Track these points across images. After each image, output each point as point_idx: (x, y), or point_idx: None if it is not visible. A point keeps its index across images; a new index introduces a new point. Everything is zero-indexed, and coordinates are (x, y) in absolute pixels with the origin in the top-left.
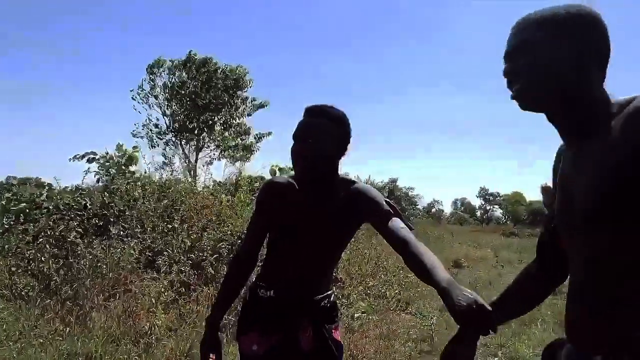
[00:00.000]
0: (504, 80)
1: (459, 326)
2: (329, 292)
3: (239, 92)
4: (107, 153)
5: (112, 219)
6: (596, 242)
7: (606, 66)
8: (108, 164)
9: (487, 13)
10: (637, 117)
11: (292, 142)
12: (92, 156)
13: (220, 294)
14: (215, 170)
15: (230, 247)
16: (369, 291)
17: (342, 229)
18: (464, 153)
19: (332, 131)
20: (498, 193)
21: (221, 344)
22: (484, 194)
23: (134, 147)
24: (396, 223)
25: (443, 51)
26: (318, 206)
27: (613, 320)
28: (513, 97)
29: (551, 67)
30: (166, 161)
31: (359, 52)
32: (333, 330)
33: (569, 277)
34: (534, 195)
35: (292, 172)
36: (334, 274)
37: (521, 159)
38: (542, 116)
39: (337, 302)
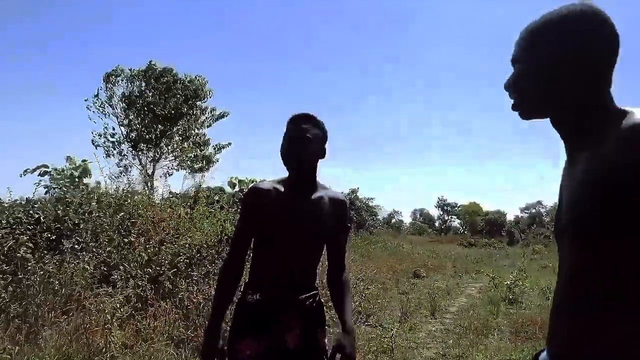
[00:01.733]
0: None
1: None
2: (313, 292)
3: (198, 103)
4: (62, 169)
5: (65, 233)
6: (577, 254)
7: (611, 68)
8: (59, 176)
9: (449, 27)
10: (624, 141)
11: (286, 144)
12: (44, 169)
13: (215, 304)
14: (174, 182)
15: (188, 261)
16: (329, 303)
17: (324, 231)
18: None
19: (318, 134)
20: (456, 203)
21: (224, 351)
22: (442, 204)
23: (84, 161)
24: (345, 250)
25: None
26: (304, 208)
27: (587, 334)
28: (513, 107)
29: (549, 70)
30: (122, 172)
31: (319, 63)
32: (320, 332)
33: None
34: (490, 205)
35: (263, 181)
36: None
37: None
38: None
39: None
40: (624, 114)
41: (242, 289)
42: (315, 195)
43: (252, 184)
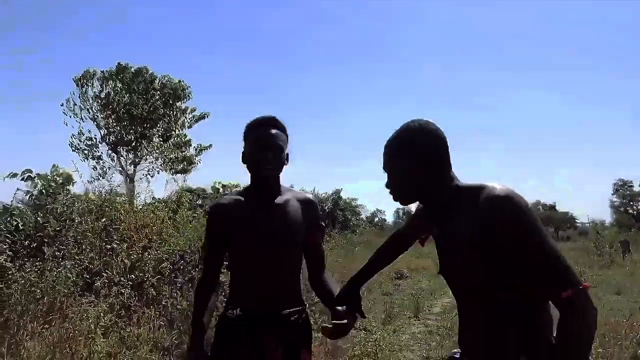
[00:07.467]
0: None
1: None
2: (299, 308)
3: (178, 104)
4: (46, 174)
5: (46, 240)
6: (464, 287)
7: (448, 162)
8: (42, 183)
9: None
10: (484, 213)
11: (255, 152)
12: (28, 174)
13: (193, 315)
14: (155, 184)
15: (172, 267)
16: (313, 307)
17: (297, 233)
18: None
19: (285, 139)
20: None
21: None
22: None
23: (76, 170)
24: (322, 251)
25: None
26: (272, 214)
27: (475, 344)
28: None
29: (402, 173)
30: (100, 175)
31: (299, 66)
32: (304, 352)
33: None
34: None
35: (237, 188)
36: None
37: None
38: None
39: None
40: (473, 187)
41: (222, 309)
42: (281, 199)
43: (214, 201)
